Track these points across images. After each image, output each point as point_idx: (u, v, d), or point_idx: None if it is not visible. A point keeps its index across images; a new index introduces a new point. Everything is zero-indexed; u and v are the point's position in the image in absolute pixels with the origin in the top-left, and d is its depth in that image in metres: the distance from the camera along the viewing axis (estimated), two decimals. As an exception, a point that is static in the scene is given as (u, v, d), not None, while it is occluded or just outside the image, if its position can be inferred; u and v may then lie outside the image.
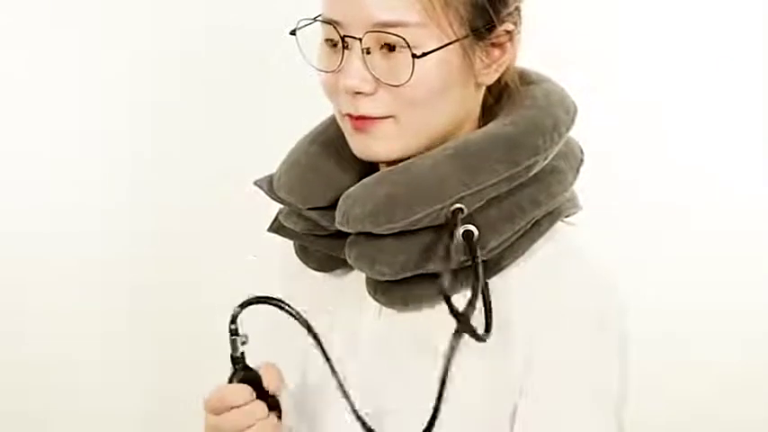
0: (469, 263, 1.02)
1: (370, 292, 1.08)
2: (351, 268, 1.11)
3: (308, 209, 1.10)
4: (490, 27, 1.05)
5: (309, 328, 1.04)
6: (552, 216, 1.08)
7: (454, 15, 1.03)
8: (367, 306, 1.11)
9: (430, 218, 1.03)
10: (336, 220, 1.06)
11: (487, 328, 1.01)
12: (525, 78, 1.12)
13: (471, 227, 1.02)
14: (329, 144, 1.12)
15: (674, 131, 2.01)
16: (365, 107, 1.04)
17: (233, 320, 1.04)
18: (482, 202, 1.04)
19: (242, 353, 1.05)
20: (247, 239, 1.97)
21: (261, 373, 1.05)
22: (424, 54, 1.01)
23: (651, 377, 1.78)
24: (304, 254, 1.16)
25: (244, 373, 1.05)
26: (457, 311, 0.96)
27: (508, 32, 1.07)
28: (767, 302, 2.02)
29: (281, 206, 1.16)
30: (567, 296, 1.04)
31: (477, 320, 1.00)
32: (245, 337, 1.05)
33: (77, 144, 2.00)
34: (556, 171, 1.08)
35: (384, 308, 1.10)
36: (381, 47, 1.03)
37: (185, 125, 2.01)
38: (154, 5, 1.97)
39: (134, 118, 2.01)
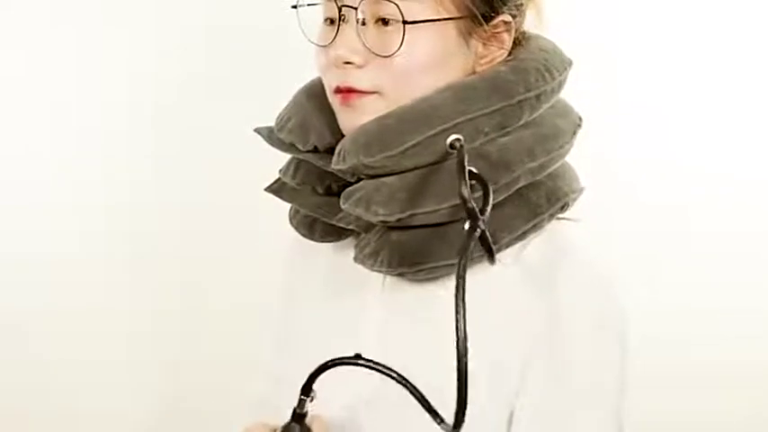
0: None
1: (356, 258, 1.07)
2: (343, 245, 1.12)
3: (307, 151, 1.10)
4: (491, 14, 1.06)
5: (408, 385, 0.97)
6: (551, 199, 1.07)
7: None
8: (369, 285, 1.11)
9: (423, 146, 1.03)
10: (333, 162, 1.06)
11: (491, 255, 0.99)
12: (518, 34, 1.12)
13: (471, 168, 1.02)
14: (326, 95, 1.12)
15: (674, 131, 2.01)
16: (353, 78, 1.05)
17: (310, 381, 1.01)
18: (476, 143, 1.04)
19: (306, 411, 1.03)
20: (247, 239, 1.98)
21: (313, 429, 1.04)
22: (416, 22, 1.02)
23: (651, 377, 1.78)
24: (296, 219, 1.16)
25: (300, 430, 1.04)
26: (472, 209, 0.96)
27: (506, 23, 1.08)
28: (767, 302, 2.02)
29: (285, 201, 1.16)
30: (566, 294, 1.04)
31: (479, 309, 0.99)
32: (315, 394, 1.02)
33: (77, 144, 2.00)
34: (553, 124, 1.09)
35: (386, 287, 1.10)
36: (377, 21, 1.03)
37: (185, 125, 2.01)
38: (154, 5, 1.97)
39: (134, 118, 2.01)
